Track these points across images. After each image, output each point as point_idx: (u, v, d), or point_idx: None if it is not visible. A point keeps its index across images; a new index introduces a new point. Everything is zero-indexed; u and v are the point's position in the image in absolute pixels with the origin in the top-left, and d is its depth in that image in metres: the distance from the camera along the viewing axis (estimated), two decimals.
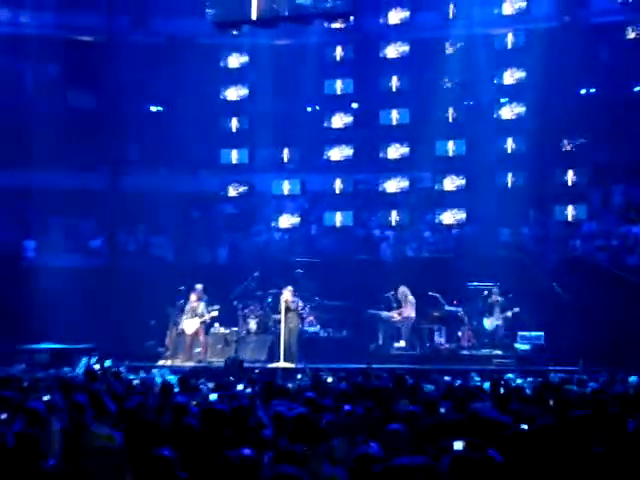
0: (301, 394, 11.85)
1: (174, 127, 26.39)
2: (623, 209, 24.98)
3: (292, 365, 21.30)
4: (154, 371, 19.52)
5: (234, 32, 24.89)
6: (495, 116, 25.39)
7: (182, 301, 23.25)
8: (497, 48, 25.50)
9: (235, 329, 23.49)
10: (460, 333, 23.21)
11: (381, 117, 26.19)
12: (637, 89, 25.59)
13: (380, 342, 23.34)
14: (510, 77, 25.23)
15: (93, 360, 20.88)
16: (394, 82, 26.09)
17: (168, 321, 23.56)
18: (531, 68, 24.94)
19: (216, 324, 23.39)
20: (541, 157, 25.10)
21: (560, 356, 21.10)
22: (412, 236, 26.73)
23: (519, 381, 16.08)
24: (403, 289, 23.11)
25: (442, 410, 10.26)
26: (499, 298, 23.07)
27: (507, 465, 6.45)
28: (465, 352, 22.69)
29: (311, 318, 23.78)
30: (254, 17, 22.53)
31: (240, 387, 13.98)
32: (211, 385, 15.27)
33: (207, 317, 22.84)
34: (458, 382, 15.89)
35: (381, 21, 25.93)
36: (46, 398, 12.01)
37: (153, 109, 28.97)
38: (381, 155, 26.26)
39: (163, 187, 26.42)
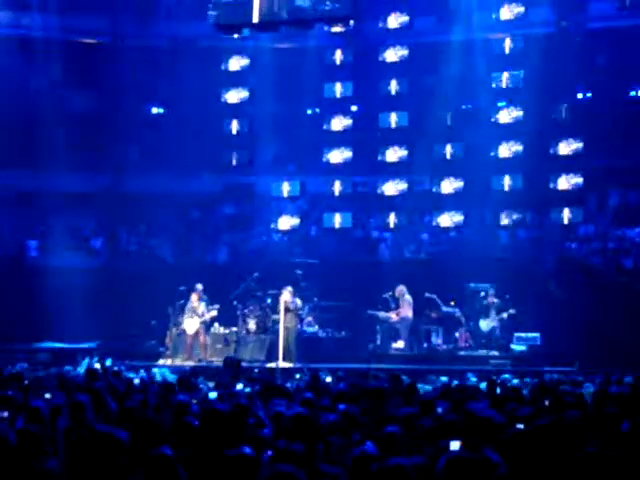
0: (300, 394, 11.88)
1: (175, 129, 26.40)
2: (619, 212, 24.97)
3: (291, 365, 21.34)
4: (154, 370, 19.54)
5: (235, 35, 24.96)
6: (493, 120, 25.38)
7: (182, 301, 23.29)
8: (495, 52, 25.49)
9: (235, 329, 23.51)
10: (457, 334, 23.25)
11: (380, 120, 26.19)
12: (633, 94, 25.59)
13: (378, 342, 23.37)
14: (508, 81, 25.21)
15: (94, 359, 20.91)
16: (393, 86, 26.09)
17: (168, 321, 23.58)
18: (528, 72, 24.95)
19: (216, 324, 23.43)
20: (538, 160, 25.10)
21: (556, 357, 21.15)
22: (410, 238, 26.75)
23: (515, 382, 16.09)
24: (401, 289, 23.15)
25: (439, 410, 10.27)
26: (495, 299, 23.10)
27: (503, 465, 6.47)
28: (462, 353, 22.74)
29: (310, 318, 23.81)
30: (255, 21, 22.57)
31: (240, 386, 14.01)
32: (211, 384, 15.30)
33: (207, 317, 22.89)
34: (455, 382, 15.91)
35: (380, 25, 25.89)
36: (48, 396, 12.05)
37: (154, 111, 28.99)
38: (380, 158, 26.24)
39: (164, 188, 26.43)
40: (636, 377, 15.83)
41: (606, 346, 20.88)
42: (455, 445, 7.10)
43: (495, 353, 22.34)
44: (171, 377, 16.73)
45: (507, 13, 24.83)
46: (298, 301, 22.63)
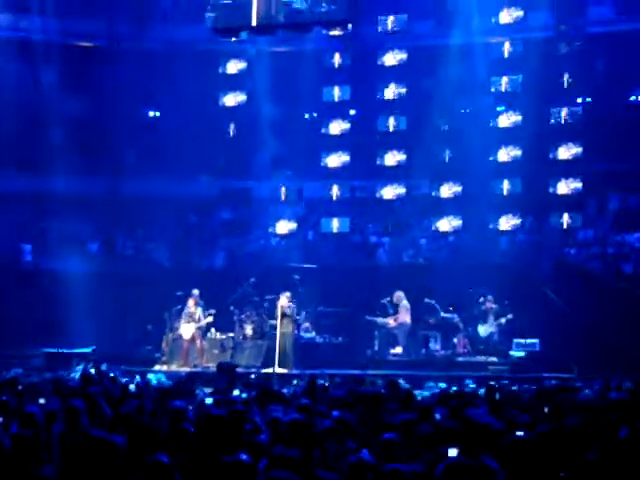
0: (297, 400, 11.87)
1: (172, 133, 26.40)
2: (619, 217, 24.97)
3: (287, 370, 21.35)
4: (150, 376, 19.53)
5: (233, 39, 24.97)
6: (492, 124, 25.40)
7: (179, 306, 23.30)
8: (494, 57, 25.51)
9: (231, 334, 23.51)
10: (455, 340, 23.23)
11: (378, 124, 26.21)
12: (633, 98, 25.62)
13: (376, 348, 23.36)
14: (507, 85, 25.23)
15: (90, 364, 20.90)
16: (392, 89, 26.10)
17: (165, 326, 23.58)
18: (528, 77, 24.97)
19: (212, 329, 23.41)
20: (537, 165, 25.12)
21: (555, 363, 21.14)
22: (408, 243, 26.75)
23: (514, 388, 16.09)
24: (399, 295, 23.16)
25: (437, 416, 10.27)
26: (494, 305, 23.10)
27: (502, 472, 6.46)
28: (460, 359, 22.72)
29: (307, 324, 23.81)
30: (253, 24, 22.62)
31: (236, 392, 13.99)
32: (207, 390, 15.29)
33: (203, 322, 22.90)
34: (454, 388, 15.92)
35: (379, 29, 25.92)
36: (42, 401, 12.02)
37: (151, 114, 29.01)
38: (378, 162, 26.25)
39: (161, 192, 26.43)
40: (635, 383, 15.83)
41: (605, 352, 20.86)
42: (453, 452, 7.09)
43: (494, 359, 22.32)
44: (167, 383, 16.73)
45: (506, 17, 24.86)
46: (291, 304, 22.64)
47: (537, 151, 24.99)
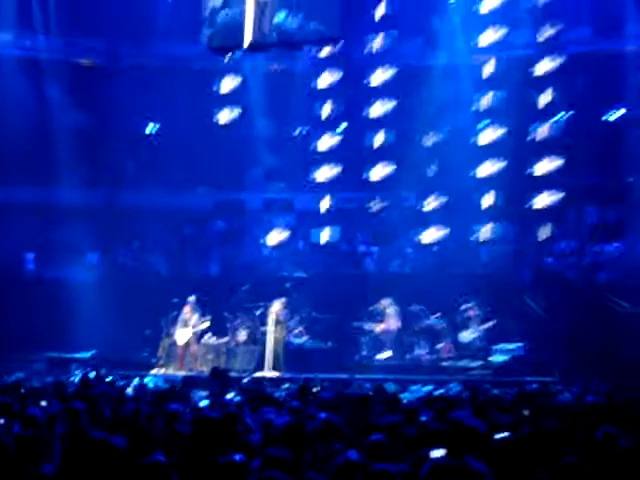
0: (288, 402, 11.86)
1: (168, 147, 26.40)
2: (595, 229, 25.03)
3: (278, 374, 21.35)
4: (147, 379, 19.51)
5: (227, 57, 25.03)
6: (474, 139, 25.44)
7: (175, 313, 23.31)
8: (478, 74, 25.57)
9: (225, 340, 23.49)
10: (440, 345, 23.24)
11: (366, 139, 26.22)
12: (609, 115, 25.69)
13: (364, 353, 23.35)
14: (490, 102, 25.28)
15: (89, 369, 20.89)
16: (379, 106, 26.13)
17: (162, 332, 23.57)
18: (508, 94, 25.02)
19: (207, 335, 23.39)
20: (518, 178, 25.16)
21: (536, 367, 21.17)
22: (395, 252, 26.78)
23: (496, 391, 16.09)
24: (385, 302, 23.20)
25: (423, 419, 10.26)
26: (477, 312, 23.13)
27: (487, 474, 6.46)
28: (445, 363, 22.72)
29: (298, 330, 23.79)
30: (246, 43, 22.66)
31: (230, 395, 13.98)
32: (202, 393, 15.28)
33: (198, 328, 22.93)
34: (438, 392, 15.91)
35: (367, 49, 25.98)
36: (44, 404, 12.01)
37: (148, 129, 29.01)
38: (366, 175, 26.27)
39: (158, 204, 26.44)
40: (612, 387, 15.87)
41: (583, 356, 20.92)
42: (438, 453, 7.08)
43: (477, 364, 22.34)
44: (163, 386, 16.71)
45: (489, 36, 24.93)
46: (283, 311, 22.65)
47: (518, 165, 25.03)
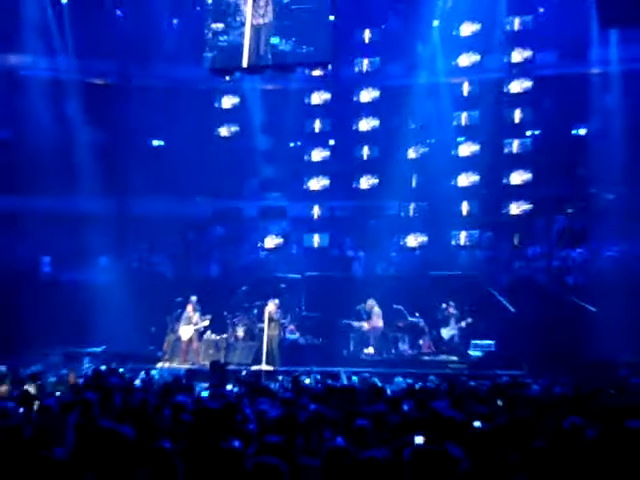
0: (281, 394, 11.85)
1: (173, 159, 26.34)
2: (563, 235, 25.06)
3: (273, 368, 21.32)
4: (153, 372, 19.51)
5: (227, 78, 25.05)
6: (453, 153, 25.48)
7: (179, 311, 23.32)
8: (455, 94, 25.66)
9: (225, 336, 23.49)
10: (421, 341, 23.26)
11: (354, 152, 26.23)
12: (575, 132, 25.75)
13: (351, 348, 23.35)
14: (466, 120, 25.35)
15: (100, 362, 20.91)
16: (366, 122, 26.17)
17: (166, 328, 23.57)
18: (484, 112, 25.10)
19: (208, 331, 23.37)
20: (492, 189, 25.22)
21: (507, 362, 21.19)
22: (381, 257, 26.79)
23: (472, 383, 16.10)
24: (371, 302, 23.22)
25: (405, 408, 10.26)
26: (455, 311, 23.16)
27: (464, 458, 6.47)
28: (426, 358, 22.74)
29: (292, 327, 23.79)
30: (244, 65, 22.69)
31: (229, 387, 13.96)
32: (203, 385, 15.26)
33: (200, 325, 22.91)
34: (419, 384, 15.90)
35: (355, 70, 26.03)
36: (58, 394, 11.97)
37: (155, 143, 28.98)
38: (354, 185, 26.28)
39: (164, 212, 26.39)
40: (576, 379, 15.89)
41: (551, 352, 20.94)
42: (419, 440, 7.09)
43: (454, 358, 22.36)
44: (168, 378, 16.69)
45: (465, 60, 25.04)
46: (278, 310, 22.63)
47: (492, 177, 25.08)
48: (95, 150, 25.90)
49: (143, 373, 18.72)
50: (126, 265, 27.21)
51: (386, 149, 25.85)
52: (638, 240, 24.64)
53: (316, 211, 26.57)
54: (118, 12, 26.64)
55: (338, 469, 6.44)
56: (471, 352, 22.42)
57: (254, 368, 21.19)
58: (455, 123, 25.51)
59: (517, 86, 24.93)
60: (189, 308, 23.00)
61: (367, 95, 26.17)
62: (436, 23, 25.51)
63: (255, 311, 23.70)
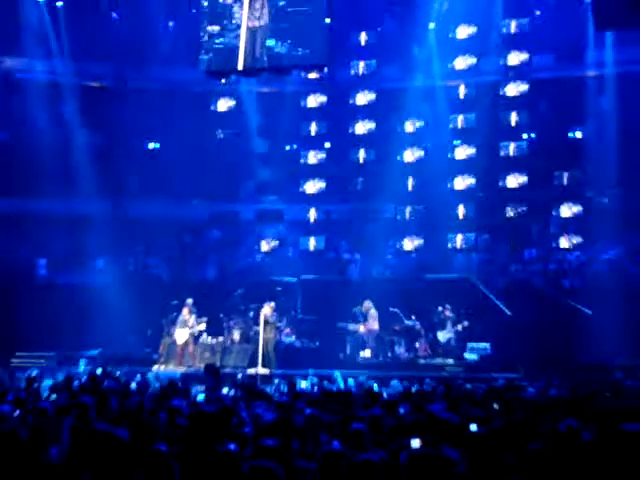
0: (277, 398, 11.85)
1: (169, 162, 26.35)
2: (558, 238, 25.05)
3: (269, 371, 21.31)
4: (149, 375, 19.49)
5: (223, 80, 25.06)
6: (449, 156, 25.52)
7: (175, 314, 23.30)
8: (451, 97, 25.71)
9: (221, 339, 23.47)
10: (417, 344, 23.26)
11: (350, 155, 26.26)
12: (571, 135, 25.78)
13: (348, 351, 23.35)
14: (462, 123, 25.40)
15: (96, 365, 20.90)
16: (362, 125, 26.20)
17: (162, 331, 23.56)
18: (480, 115, 25.14)
19: (204, 334, 23.35)
20: (488, 192, 25.27)
21: (503, 364, 21.20)
22: (377, 259, 26.80)
23: (468, 386, 16.11)
24: (368, 304, 23.22)
25: (401, 411, 10.27)
26: (451, 314, 23.17)
27: (461, 461, 6.48)
28: (422, 361, 22.74)
29: (288, 330, 23.79)
30: (240, 67, 22.69)
31: (225, 390, 13.96)
32: (199, 388, 15.26)
33: (196, 329, 22.90)
34: (415, 387, 15.92)
35: (351, 72, 26.08)
36: (54, 397, 11.97)
37: (151, 146, 28.99)
38: (349, 188, 26.33)
39: (159, 214, 26.39)
40: (572, 382, 15.91)
41: (547, 355, 20.98)
42: (416, 443, 7.10)
43: (451, 361, 22.37)
44: (164, 382, 16.69)
45: (461, 63, 25.09)
46: (274, 313, 22.63)
47: (488, 180, 25.13)
48: (91, 153, 25.92)
49: (139, 376, 18.70)
50: (122, 268, 27.19)
51: (382, 152, 25.90)
52: (634, 243, 24.68)
53: (312, 214, 26.59)
54: (114, 15, 26.67)
55: (334, 472, 6.45)
56: (467, 355, 22.43)
57: (250, 371, 21.17)
58: (451, 126, 25.57)
59: (513, 89, 25.02)
60: (185, 311, 22.99)
61: (363, 98, 26.22)
62: (432, 26, 25.56)
63: (251, 314, 23.69)
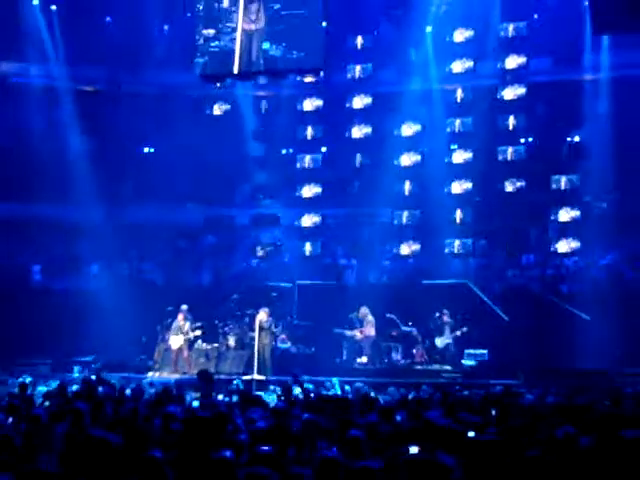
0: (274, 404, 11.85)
1: (164, 166, 26.34)
2: (557, 242, 25.05)
3: (265, 377, 21.29)
4: (144, 382, 19.47)
5: (218, 84, 25.07)
6: (447, 160, 25.55)
7: (170, 320, 23.27)
8: (448, 101, 25.74)
9: (216, 345, 23.47)
10: (414, 350, 23.26)
11: (347, 160, 26.27)
12: (569, 139, 25.80)
13: (344, 357, 23.35)
14: (460, 127, 25.42)
15: (91, 371, 20.90)
16: (358, 129, 26.23)
17: (157, 337, 23.55)
18: (477, 119, 25.17)
19: (199, 340, 23.34)
20: (486, 197, 25.29)
21: (501, 371, 21.19)
22: (374, 265, 26.79)
23: (466, 393, 16.11)
24: (364, 310, 23.20)
25: (398, 418, 10.27)
26: (449, 319, 23.16)
27: (457, 468, 6.48)
28: (418, 367, 22.75)
29: (283, 336, 23.77)
30: (235, 71, 22.72)
31: (220, 397, 13.96)
32: (194, 395, 15.25)
33: (191, 335, 22.88)
34: (412, 394, 15.91)
35: (348, 76, 26.09)
36: (47, 404, 11.96)
37: (146, 150, 29.00)
38: (346, 192, 26.36)
39: (154, 219, 26.39)
40: (570, 389, 15.91)
41: (545, 361, 21.02)
42: (414, 450, 7.11)
43: (448, 367, 22.37)
44: (159, 388, 16.68)
45: (458, 67, 25.13)
46: (269, 318, 22.61)
47: (486, 185, 25.17)
48: (85, 157, 25.93)
49: (133, 383, 18.68)
50: (117, 273, 27.18)
51: (379, 156, 25.89)
52: (632, 247, 24.71)
53: (308, 219, 26.58)
54: (108, 18, 26.71)
55: (331, 479, 6.45)
56: (465, 361, 22.43)
57: (245, 378, 21.15)
58: (448, 130, 25.60)
59: (511, 93, 25.05)
60: (180, 317, 22.97)
61: (359, 101, 26.24)
62: (429, 29, 25.60)
63: (246, 320, 23.66)
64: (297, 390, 14.95)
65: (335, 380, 19.10)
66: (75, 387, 15.75)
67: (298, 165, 26.70)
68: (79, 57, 25.84)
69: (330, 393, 16.15)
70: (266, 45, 22.72)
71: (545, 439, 8.11)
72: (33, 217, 25.69)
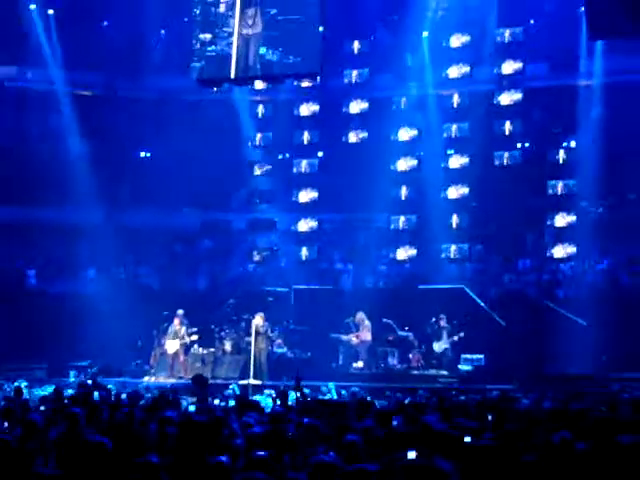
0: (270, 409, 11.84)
1: (161, 170, 26.34)
2: (553, 247, 25.06)
3: (261, 382, 21.27)
4: (140, 386, 19.46)
5: (215, 89, 25.08)
6: (443, 165, 25.57)
7: (166, 324, 23.23)
8: (445, 106, 25.76)
9: (212, 350, 23.43)
10: (410, 355, 23.23)
11: (343, 165, 26.27)
12: (565, 144, 25.82)
13: (340, 362, 23.33)
14: (456, 132, 25.43)
15: (87, 376, 20.89)
16: (355, 134, 26.23)
17: (153, 342, 23.51)
18: (474, 124, 25.18)
19: (195, 345, 23.30)
20: (482, 202, 25.29)
21: (497, 376, 21.18)
22: (370, 270, 26.79)
23: (462, 398, 16.09)
24: (360, 315, 23.18)
25: (395, 423, 10.25)
26: (446, 324, 23.13)
27: (454, 473, 6.47)
28: (415, 372, 22.72)
29: (279, 341, 23.74)
30: (232, 76, 22.73)
31: (216, 401, 13.95)
32: (191, 399, 15.24)
33: (187, 340, 22.84)
34: (408, 399, 15.89)
35: (344, 81, 26.11)
36: (42, 408, 11.94)
37: (143, 155, 29.01)
38: (342, 197, 26.37)
39: (151, 223, 26.40)
40: (567, 394, 15.91)
41: (541, 366, 21.02)
42: (412, 455, 7.10)
43: (444, 372, 22.35)
44: (154, 391, 16.67)
45: (455, 72, 25.15)
46: (265, 323, 22.59)
47: (482, 190, 25.16)
48: (83, 161, 25.93)
49: (129, 387, 18.67)
50: (113, 277, 27.16)
51: (375, 161, 25.89)
52: (628, 253, 24.72)
53: (304, 224, 26.58)
54: (105, 23, 26.72)
55: None
56: (461, 366, 22.42)
57: (242, 382, 21.12)
58: (445, 135, 25.62)
59: (507, 98, 25.07)
60: (176, 322, 22.93)
61: (356, 106, 26.26)
62: (426, 34, 25.64)
63: (243, 324, 23.63)
64: (293, 395, 14.95)
65: (331, 385, 19.10)
66: (71, 391, 15.70)
67: (295, 170, 26.72)
68: (76, 61, 25.86)
69: (326, 398, 16.15)
70: (263, 50, 22.74)
71: (541, 444, 8.10)
72: (30, 221, 25.68)
